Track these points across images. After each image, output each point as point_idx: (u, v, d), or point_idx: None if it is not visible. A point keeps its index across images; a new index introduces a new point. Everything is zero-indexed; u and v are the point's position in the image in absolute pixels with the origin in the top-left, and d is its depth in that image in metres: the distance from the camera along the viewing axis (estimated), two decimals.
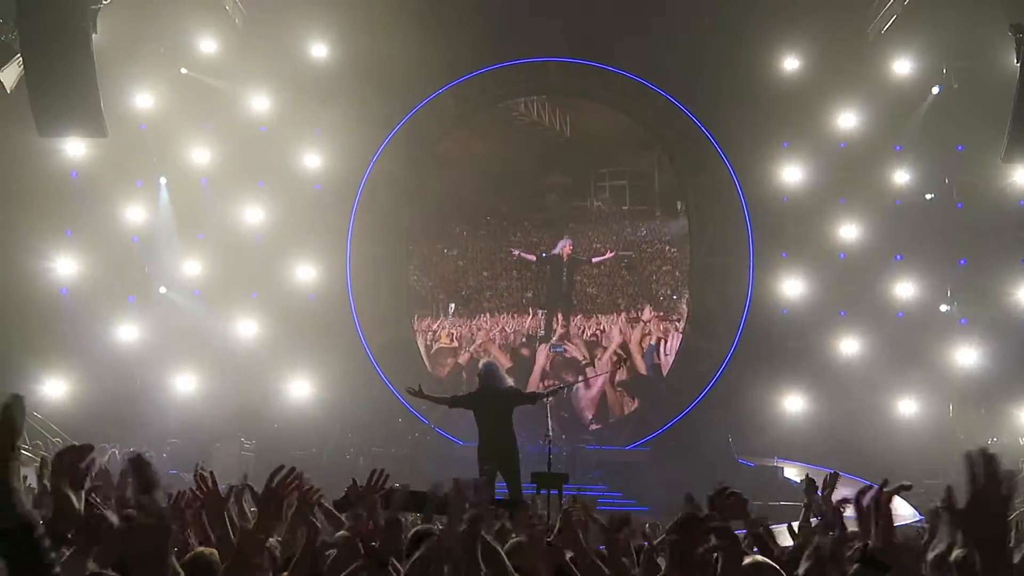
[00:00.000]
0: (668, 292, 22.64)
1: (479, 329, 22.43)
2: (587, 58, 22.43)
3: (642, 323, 22.45)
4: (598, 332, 22.27)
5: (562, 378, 21.50)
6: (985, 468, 2.63)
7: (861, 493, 3.66)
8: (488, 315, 22.32)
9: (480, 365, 13.78)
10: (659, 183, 22.69)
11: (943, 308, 21.43)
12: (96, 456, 3.34)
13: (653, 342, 22.28)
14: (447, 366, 22.32)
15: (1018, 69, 15.41)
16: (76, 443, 3.38)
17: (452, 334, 22.44)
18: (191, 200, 21.48)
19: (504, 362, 21.14)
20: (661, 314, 22.61)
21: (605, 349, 22.23)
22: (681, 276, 22.66)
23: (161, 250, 21.53)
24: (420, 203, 22.89)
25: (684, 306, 22.58)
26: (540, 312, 22.22)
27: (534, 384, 21.28)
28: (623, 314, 22.42)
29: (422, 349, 22.44)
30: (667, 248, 22.77)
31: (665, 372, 22.40)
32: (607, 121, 22.46)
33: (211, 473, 5.16)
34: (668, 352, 22.32)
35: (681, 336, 22.52)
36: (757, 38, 21.06)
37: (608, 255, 22.41)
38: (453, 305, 22.57)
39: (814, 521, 6.38)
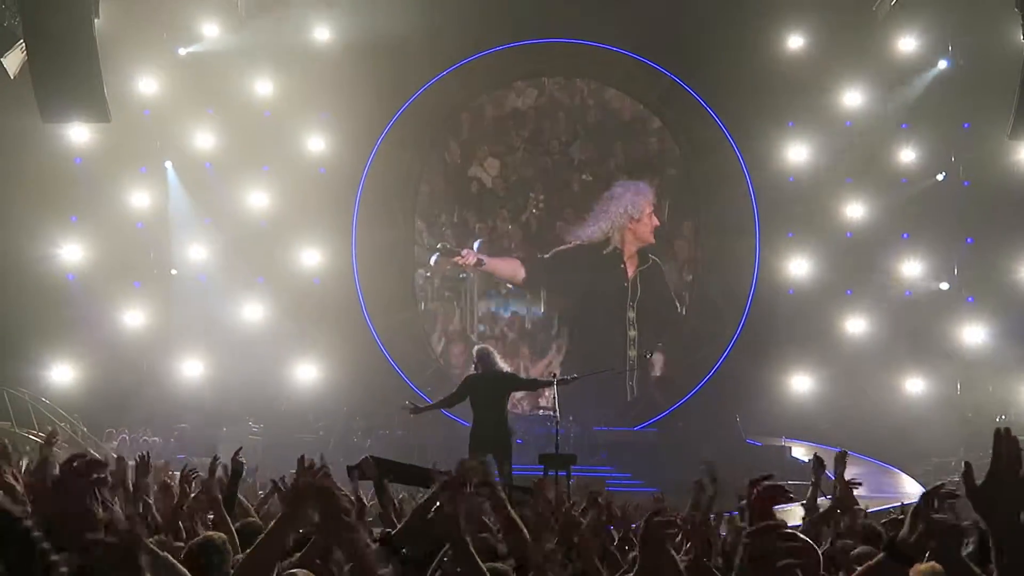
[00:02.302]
0: None
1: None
2: (592, 39, 22.34)
3: None
4: None
5: None
6: (1008, 448, 2.64)
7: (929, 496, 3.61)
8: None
9: (475, 350, 13.59)
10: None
11: (942, 286, 21.39)
12: (104, 472, 3.26)
13: None
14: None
15: None
16: (77, 463, 3.28)
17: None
18: (196, 185, 21.46)
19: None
20: None
21: None
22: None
23: (173, 233, 21.48)
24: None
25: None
26: None
27: None
28: None
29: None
30: None
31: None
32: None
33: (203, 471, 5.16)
34: None
35: None
36: (762, 17, 20.98)
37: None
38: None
39: (822, 500, 6.39)
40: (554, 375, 14.21)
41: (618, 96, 23.30)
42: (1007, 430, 2.67)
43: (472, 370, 13.18)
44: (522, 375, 14.30)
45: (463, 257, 22.86)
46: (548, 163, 23.48)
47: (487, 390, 12.59)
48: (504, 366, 13.49)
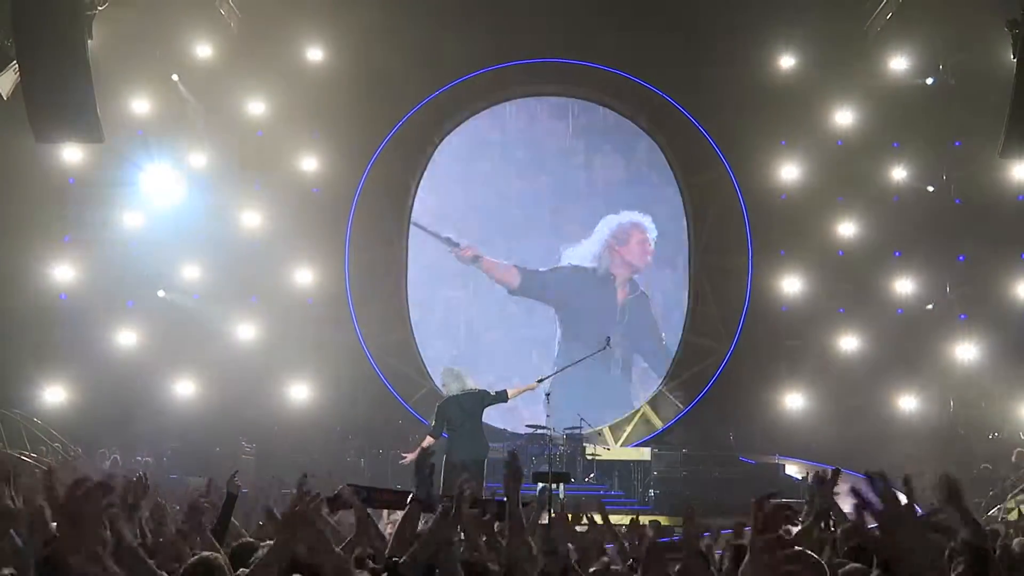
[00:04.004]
0: None
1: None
2: (583, 58, 22.42)
3: None
4: None
5: None
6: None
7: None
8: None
9: (443, 372, 14.17)
10: None
11: (928, 307, 21.40)
12: (113, 496, 3.24)
13: None
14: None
15: (1015, 64, 15.38)
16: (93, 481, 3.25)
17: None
18: (189, 204, 21.41)
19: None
20: None
21: None
22: None
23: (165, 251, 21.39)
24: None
25: None
26: None
27: None
28: None
29: None
30: None
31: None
32: None
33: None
34: None
35: None
36: (753, 35, 21.07)
37: None
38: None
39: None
40: (521, 388, 14.44)
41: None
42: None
43: (445, 393, 13.64)
44: (492, 390, 14.48)
45: (463, 249, 22.88)
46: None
47: (462, 410, 13.13)
48: (473, 384, 13.76)
